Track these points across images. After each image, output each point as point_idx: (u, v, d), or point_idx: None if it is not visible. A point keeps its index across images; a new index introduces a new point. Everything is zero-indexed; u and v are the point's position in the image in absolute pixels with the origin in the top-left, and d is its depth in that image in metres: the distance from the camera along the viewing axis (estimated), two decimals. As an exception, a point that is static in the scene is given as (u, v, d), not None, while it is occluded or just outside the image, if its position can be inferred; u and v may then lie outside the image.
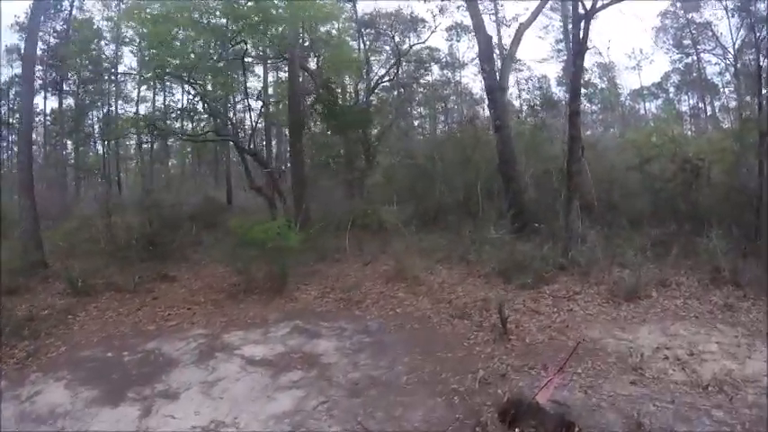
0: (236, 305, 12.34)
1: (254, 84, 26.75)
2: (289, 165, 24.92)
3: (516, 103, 31.79)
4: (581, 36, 15.70)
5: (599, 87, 33.86)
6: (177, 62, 17.92)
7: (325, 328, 10.85)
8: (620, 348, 9.39)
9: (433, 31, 27.78)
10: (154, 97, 30.42)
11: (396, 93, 30.51)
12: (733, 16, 24.55)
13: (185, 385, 8.32)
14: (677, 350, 9.20)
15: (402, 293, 12.71)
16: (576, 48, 16.58)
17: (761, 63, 17.11)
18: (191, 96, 22.02)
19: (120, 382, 8.47)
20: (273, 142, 32.30)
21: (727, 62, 28.08)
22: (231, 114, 24.93)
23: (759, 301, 11.24)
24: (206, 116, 21.27)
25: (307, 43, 23.55)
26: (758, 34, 17.77)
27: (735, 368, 8.55)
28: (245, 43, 19.07)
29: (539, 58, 39.43)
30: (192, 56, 17.89)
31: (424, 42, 28.36)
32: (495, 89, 18.51)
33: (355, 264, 15.52)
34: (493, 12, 29.85)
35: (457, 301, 12.06)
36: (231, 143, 22.21)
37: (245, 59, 21.06)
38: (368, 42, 28.33)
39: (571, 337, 10.02)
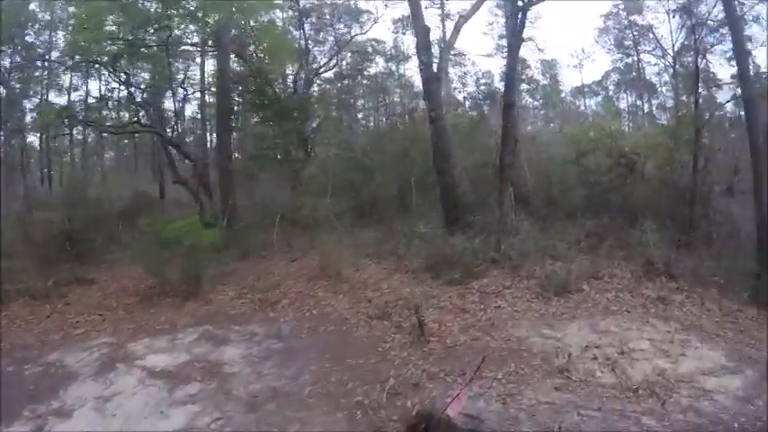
0: (147, 310, 11.28)
1: (195, 74, 25.07)
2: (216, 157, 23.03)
3: (460, 98, 31.08)
4: (517, 28, 15.05)
5: (541, 83, 33.85)
6: (102, 48, 16.33)
7: (235, 332, 9.93)
8: (546, 348, 8.49)
9: (375, 22, 26.54)
10: (87, 86, 27.81)
11: (339, 84, 29.14)
12: (674, 17, 24.60)
13: (80, 401, 7.56)
14: (607, 349, 8.37)
15: (322, 292, 11.65)
16: (511, 39, 15.86)
17: (698, 64, 16.80)
18: (120, 85, 20.04)
19: (17, 399, 7.65)
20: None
21: (666, 63, 28.36)
22: (162, 105, 22.73)
23: (692, 293, 10.63)
24: (135, 106, 19.84)
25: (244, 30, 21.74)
26: (697, 37, 17.39)
27: (668, 367, 7.81)
28: (170, 29, 17.33)
29: (484, 53, 38.81)
30: (120, 42, 16.19)
31: (365, 33, 27.05)
32: (432, 80, 17.48)
33: (281, 261, 14.32)
34: (439, 6, 28.86)
35: (379, 299, 11.03)
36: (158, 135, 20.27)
37: (184, 47, 19.80)
38: (311, 32, 26.74)
39: (496, 336, 9.09)
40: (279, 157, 22.54)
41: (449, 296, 11.01)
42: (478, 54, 35.12)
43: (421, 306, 9.38)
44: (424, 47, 17.53)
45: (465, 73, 32.20)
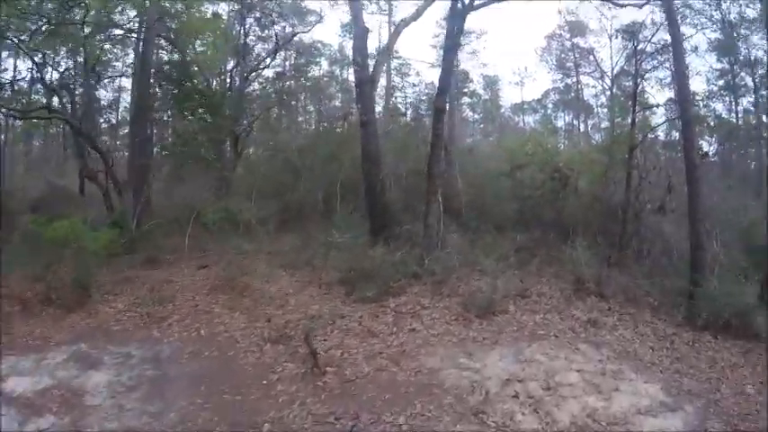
0: (26, 321, 9.50)
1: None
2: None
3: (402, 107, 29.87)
4: (454, 31, 14.05)
5: (482, 98, 32.85)
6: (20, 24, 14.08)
7: (109, 354, 8.26)
8: (461, 383, 7.12)
9: (318, 22, 24.86)
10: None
11: (281, 84, 27.28)
12: (616, 38, 24.56)
13: None
14: (530, 383, 7.06)
15: (219, 308, 10.06)
16: (448, 43, 14.73)
17: (637, 86, 16.30)
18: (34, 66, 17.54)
19: None
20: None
21: (605, 86, 28.40)
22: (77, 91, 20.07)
23: (625, 315, 9.58)
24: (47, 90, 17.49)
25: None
26: (638, 58, 17.27)
27: (599, 406, 6.58)
28: (87, 7, 15.15)
29: (430, 62, 37.84)
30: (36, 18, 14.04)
31: (307, 32, 25.29)
32: (365, 82, 16.05)
33: (188, 268, 12.60)
34: (387, 12, 27.60)
35: (279, 318, 9.50)
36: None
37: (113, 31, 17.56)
38: (256, 28, 24.64)
39: (405, 367, 7.65)
40: (204, 154, 20.32)
41: (359, 316, 9.53)
42: (422, 61, 33.77)
43: (310, 334, 7.86)
44: (360, 47, 16.17)
45: (410, 83, 31.01)
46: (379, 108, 26.03)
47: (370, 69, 15.93)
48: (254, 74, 23.34)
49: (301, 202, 17.46)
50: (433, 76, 39.86)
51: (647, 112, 20.21)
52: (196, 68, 19.37)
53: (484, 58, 35.41)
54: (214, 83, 21.77)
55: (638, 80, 16.80)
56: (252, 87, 23.93)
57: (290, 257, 12.93)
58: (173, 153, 20.09)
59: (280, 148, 20.92)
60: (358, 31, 16.39)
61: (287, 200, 17.35)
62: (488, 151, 23.42)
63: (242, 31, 23.51)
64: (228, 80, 23.01)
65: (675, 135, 18.56)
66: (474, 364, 7.63)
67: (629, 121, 15.00)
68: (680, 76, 11.47)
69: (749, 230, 13.81)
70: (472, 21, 33.39)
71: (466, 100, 31.55)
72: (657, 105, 17.04)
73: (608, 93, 27.33)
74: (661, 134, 20.96)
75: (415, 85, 30.59)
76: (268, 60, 24.00)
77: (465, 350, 8.12)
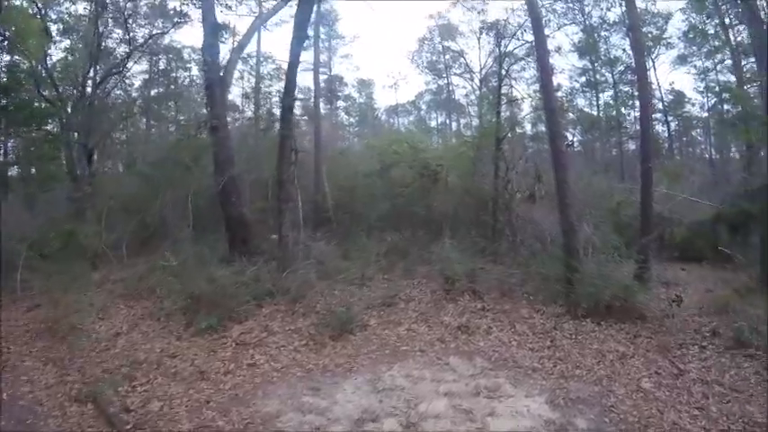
0: None
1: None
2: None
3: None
4: (302, 22, 12.24)
5: (357, 101, 32.06)
6: None
7: None
8: (302, 430, 5.13)
9: (180, 22, 21.72)
10: None
11: (146, 92, 23.86)
12: (485, 33, 24.71)
13: None
14: (388, 421, 5.37)
15: (32, 360, 7.67)
16: (295, 35, 12.86)
17: (502, 76, 15.51)
18: None
19: None
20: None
21: (474, 86, 28.42)
22: None
23: (500, 314, 8.23)
24: None
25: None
26: (503, 48, 16.73)
27: (469, 440, 4.84)
28: None
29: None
30: None
31: (165, 33, 22.03)
32: (216, 83, 13.76)
33: (16, 310, 9.82)
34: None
35: (95, 368, 7.20)
36: None
37: None
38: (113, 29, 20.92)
39: (235, 417, 5.74)
40: (54, 172, 16.72)
41: (193, 353, 7.45)
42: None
43: (100, 397, 5.60)
44: (210, 45, 13.85)
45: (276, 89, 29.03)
46: (250, 113, 24.10)
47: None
48: (113, 81, 19.83)
49: (163, 220, 14.74)
50: (309, 80, 38.38)
51: (516, 110, 20.09)
52: (44, 75, 15.93)
53: (357, 61, 34.87)
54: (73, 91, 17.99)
55: (504, 73, 16.00)
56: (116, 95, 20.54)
57: (134, 286, 10.51)
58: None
59: (137, 161, 18.03)
60: (208, 28, 14.05)
61: (146, 219, 14.59)
62: (361, 153, 21.95)
63: (96, 33, 19.94)
64: (81, 88, 19.29)
65: (542, 128, 18.34)
66: (321, 402, 5.80)
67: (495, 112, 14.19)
68: (543, 66, 10.51)
69: (617, 210, 13.51)
70: (345, 25, 32.42)
71: (341, 104, 30.75)
72: (522, 98, 16.35)
73: (478, 92, 27.20)
74: (528, 129, 21.38)
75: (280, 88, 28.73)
76: (128, 65, 20.51)
77: (312, 385, 6.28)
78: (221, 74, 14.16)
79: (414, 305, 8.58)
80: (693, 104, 24.04)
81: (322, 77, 28.80)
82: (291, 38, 12.41)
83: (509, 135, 13.87)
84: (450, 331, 7.50)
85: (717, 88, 21.04)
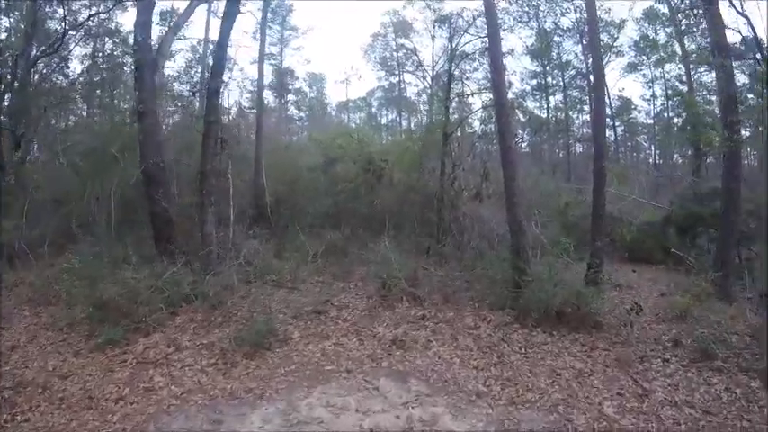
0: None
1: None
2: None
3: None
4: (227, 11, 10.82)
5: (308, 96, 30.51)
6: None
7: None
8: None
9: (119, 1, 19.59)
10: None
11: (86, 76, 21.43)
12: (440, 26, 23.79)
13: None
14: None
15: None
16: (227, 9, 11.41)
17: (452, 72, 14.49)
18: None
19: None
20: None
21: (426, 84, 27.47)
22: None
23: (442, 323, 7.14)
24: None
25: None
26: (454, 46, 15.48)
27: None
28: None
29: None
30: None
31: (103, 13, 19.82)
32: (145, 65, 12.01)
33: None
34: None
35: None
36: None
37: None
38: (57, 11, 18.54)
39: None
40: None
41: (88, 373, 6.08)
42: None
43: None
44: (142, 23, 12.11)
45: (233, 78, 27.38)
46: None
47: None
48: (53, 65, 17.63)
49: (90, 216, 12.92)
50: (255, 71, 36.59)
51: (466, 109, 19.29)
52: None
53: (310, 54, 33.27)
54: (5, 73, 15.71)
55: (454, 67, 15.00)
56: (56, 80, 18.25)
57: (43, 290, 8.88)
58: None
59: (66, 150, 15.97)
60: (141, 5, 12.33)
61: (74, 213, 12.75)
62: (306, 148, 20.55)
63: (33, 10, 17.66)
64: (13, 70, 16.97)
65: (492, 127, 17.65)
66: (223, 435, 4.50)
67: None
68: (495, 59, 9.51)
69: (565, 210, 12.78)
70: (298, 17, 30.89)
71: (292, 97, 29.01)
72: (472, 93, 15.31)
73: (429, 90, 26.27)
74: (477, 127, 20.66)
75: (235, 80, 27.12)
76: (69, 47, 18.28)
77: (214, 416, 5.00)
78: (153, 56, 12.51)
79: (346, 313, 7.40)
80: (639, 111, 24.14)
81: (271, 69, 27.01)
82: (222, 18, 11.05)
83: (457, 132, 12.91)
84: (383, 346, 6.34)
85: (669, 92, 21.39)
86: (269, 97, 27.52)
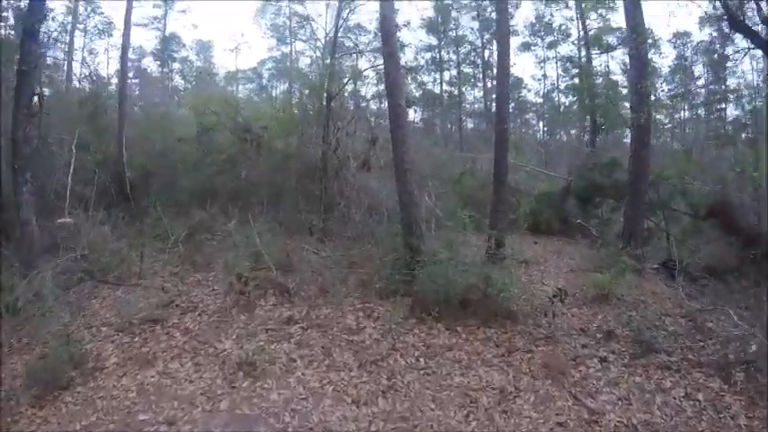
0: None
1: None
2: None
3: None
4: None
5: (195, 65, 26.47)
6: None
7: None
8: None
9: None
10: None
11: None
12: None
13: None
14: None
15: None
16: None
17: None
18: None
19: None
20: None
21: (319, 54, 24.54)
22: None
23: (314, 327, 5.08)
24: None
25: None
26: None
27: None
28: None
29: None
30: None
31: None
32: None
33: None
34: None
35: None
36: None
37: None
38: None
39: None
40: None
41: None
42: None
43: None
44: None
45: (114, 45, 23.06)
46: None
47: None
48: None
49: None
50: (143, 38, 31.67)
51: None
52: None
53: (196, 19, 29.80)
54: None
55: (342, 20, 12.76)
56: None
57: None
58: None
59: None
60: None
61: None
62: (185, 117, 17.24)
63: None
64: None
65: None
66: None
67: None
68: (384, 7, 7.34)
69: (460, 180, 11.22)
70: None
71: (177, 66, 25.29)
72: (360, 51, 13.18)
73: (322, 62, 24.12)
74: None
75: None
76: None
77: None
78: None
79: (190, 320, 5.10)
80: (530, 90, 23.55)
81: (155, 34, 24.00)
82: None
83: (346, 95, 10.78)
84: (227, 372, 4.14)
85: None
86: (152, 66, 24.91)
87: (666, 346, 4.55)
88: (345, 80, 10.85)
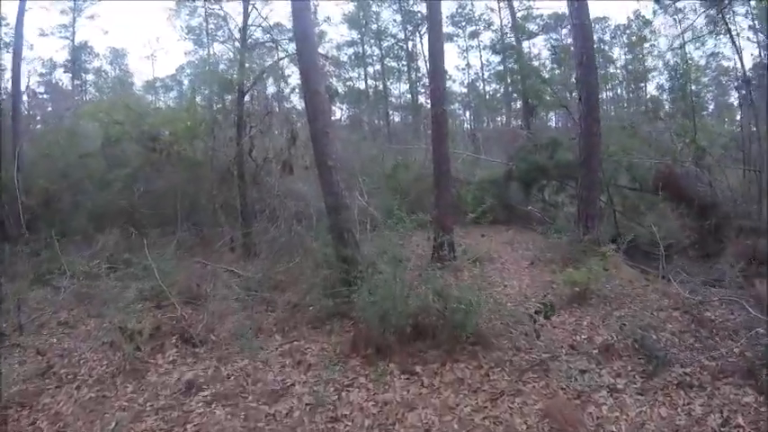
0: None
1: None
2: None
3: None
4: None
5: (110, 75, 24.26)
6: None
7: None
8: None
9: None
10: None
11: None
12: None
13: None
14: None
15: None
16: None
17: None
18: None
19: None
20: None
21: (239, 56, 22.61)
22: None
23: (221, 397, 3.43)
24: None
25: None
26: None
27: None
28: None
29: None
30: None
31: None
32: None
33: None
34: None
35: None
36: None
37: None
38: None
39: None
40: None
41: None
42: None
43: None
44: None
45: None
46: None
47: None
48: None
49: None
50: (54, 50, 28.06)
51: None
52: None
53: (107, 25, 26.97)
54: None
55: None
56: None
57: None
58: None
59: None
60: None
61: None
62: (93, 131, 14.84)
63: None
64: None
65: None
66: None
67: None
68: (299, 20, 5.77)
69: (394, 174, 9.95)
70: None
71: (91, 78, 22.98)
72: (275, 41, 11.44)
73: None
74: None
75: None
76: None
77: None
78: None
79: (65, 397, 3.42)
80: (455, 81, 22.99)
81: (64, 43, 21.25)
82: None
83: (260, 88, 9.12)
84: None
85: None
86: (64, 79, 21.93)
87: (677, 353, 3.42)
88: (258, 73, 9.26)
